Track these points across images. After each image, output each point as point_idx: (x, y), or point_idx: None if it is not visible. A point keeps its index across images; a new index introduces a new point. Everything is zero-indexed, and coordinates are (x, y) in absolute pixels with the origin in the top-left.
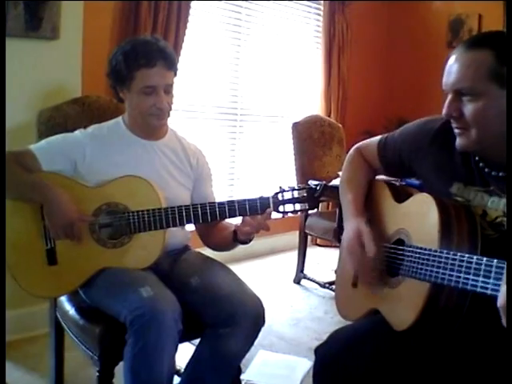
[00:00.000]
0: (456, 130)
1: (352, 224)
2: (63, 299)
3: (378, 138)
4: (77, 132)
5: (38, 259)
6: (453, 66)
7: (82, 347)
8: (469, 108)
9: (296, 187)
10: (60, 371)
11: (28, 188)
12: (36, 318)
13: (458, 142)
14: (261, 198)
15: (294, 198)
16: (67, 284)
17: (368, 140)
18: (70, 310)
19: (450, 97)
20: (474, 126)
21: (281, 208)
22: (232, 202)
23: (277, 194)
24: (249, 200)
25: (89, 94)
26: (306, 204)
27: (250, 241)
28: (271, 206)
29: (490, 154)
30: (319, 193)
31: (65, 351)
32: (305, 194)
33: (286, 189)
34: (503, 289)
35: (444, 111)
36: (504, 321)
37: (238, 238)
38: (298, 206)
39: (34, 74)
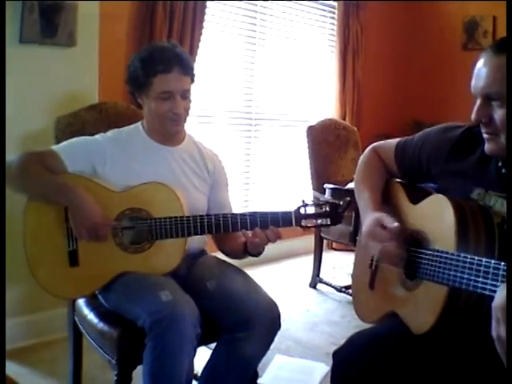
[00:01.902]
0: (485, 135)
1: (371, 216)
2: (81, 303)
3: (395, 140)
4: (97, 136)
5: (59, 260)
6: (481, 69)
7: (100, 351)
8: (498, 113)
9: (319, 202)
10: (78, 375)
11: (53, 190)
12: (52, 322)
13: (488, 147)
14: (283, 213)
15: (316, 214)
16: (87, 286)
17: (384, 141)
18: (88, 314)
19: (478, 101)
20: (504, 131)
21: (303, 222)
22: (254, 213)
23: (299, 208)
24: (271, 213)
25: (106, 100)
26: (329, 219)
27: (260, 254)
28: (293, 221)
29: None
30: (343, 209)
31: (82, 355)
32: (328, 209)
33: (309, 203)
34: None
35: (473, 116)
36: (494, 323)
37: (247, 251)
38: (319, 221)
39: (52, 81)
